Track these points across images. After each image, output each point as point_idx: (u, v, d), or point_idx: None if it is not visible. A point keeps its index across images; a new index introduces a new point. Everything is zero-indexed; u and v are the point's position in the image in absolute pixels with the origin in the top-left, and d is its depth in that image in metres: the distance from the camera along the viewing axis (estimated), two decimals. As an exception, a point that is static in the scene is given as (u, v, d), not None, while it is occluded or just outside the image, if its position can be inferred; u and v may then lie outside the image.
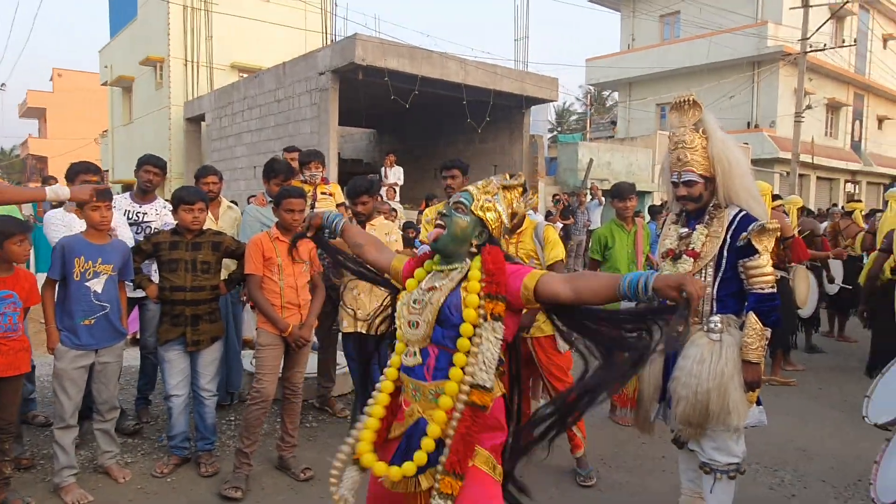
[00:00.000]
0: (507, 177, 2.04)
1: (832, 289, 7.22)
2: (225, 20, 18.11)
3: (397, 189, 12.19)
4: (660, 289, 1.62)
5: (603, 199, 12.84)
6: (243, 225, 4.49)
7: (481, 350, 1.80)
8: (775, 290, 2.59)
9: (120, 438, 3.77)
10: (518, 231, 3.62)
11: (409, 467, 1.81)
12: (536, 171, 15.10)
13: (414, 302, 1.93)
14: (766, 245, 2.58)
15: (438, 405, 1.83)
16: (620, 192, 4.62)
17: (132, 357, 5.19)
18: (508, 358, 1.98)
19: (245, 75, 17.13)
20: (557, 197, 13.88)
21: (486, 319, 1.81)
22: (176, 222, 3.60)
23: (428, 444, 1.82)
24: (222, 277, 3.69)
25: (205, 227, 3.62)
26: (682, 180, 2.76)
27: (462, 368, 1.82)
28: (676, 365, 2.65)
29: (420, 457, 1.81)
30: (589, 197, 13.53)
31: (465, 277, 1.89)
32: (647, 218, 9.09)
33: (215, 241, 3.60)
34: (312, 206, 4.45)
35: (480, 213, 1.93)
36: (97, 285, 3.29)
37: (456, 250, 1.94)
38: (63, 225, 3.60)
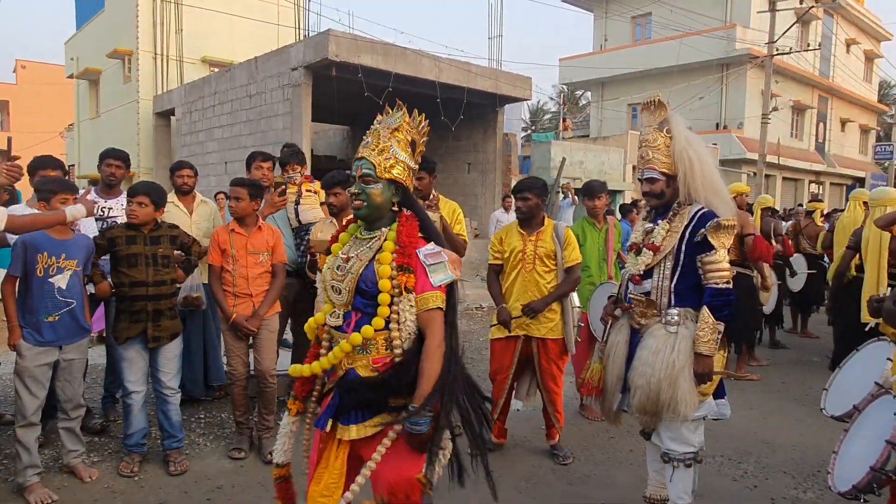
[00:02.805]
0: (387, 115, 2.07)
1: (796, 285, 7.41)
2: (195, 13, 17.80)
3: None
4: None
5: (576, 197, 12.97)
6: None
7: (401, 319, 1.93)
8: (731, 285, 2.66)
9: (86, 437, 3.72)
10: (539, 230, 3.69)
11: (335, 352, 1.99)
12: (510, 168, 15.19)
13: (337, 268, 2.04)
14: (722, 241, 2.66)
15: (363, 353, 1.97)
16: (591, 191, 4.69)
17: (98, 355, 5.11)
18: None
19: (216, 70, 16.89)
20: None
21: (400, 293, 1.92)
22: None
23: (355, 338, 1.94)
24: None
25: (162, 221, 3.61)
26: (644, 177, 2.84)
27: (384, 327, 1.95)
28: (635, 355, 2.74)
29: (356, 337, 1.94)
30: (561, 196, 13.64)
31: (380, 248, 1.99)
32: (619, 216, 9.21)
33: (172, 234, 3.59)
34: (297, 203, 4.45)
35: (387, 175, 2.00)
36: (61, 281, 3.22)
37: (381, 216, 2.05)
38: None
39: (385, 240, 2.00)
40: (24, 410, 3.18)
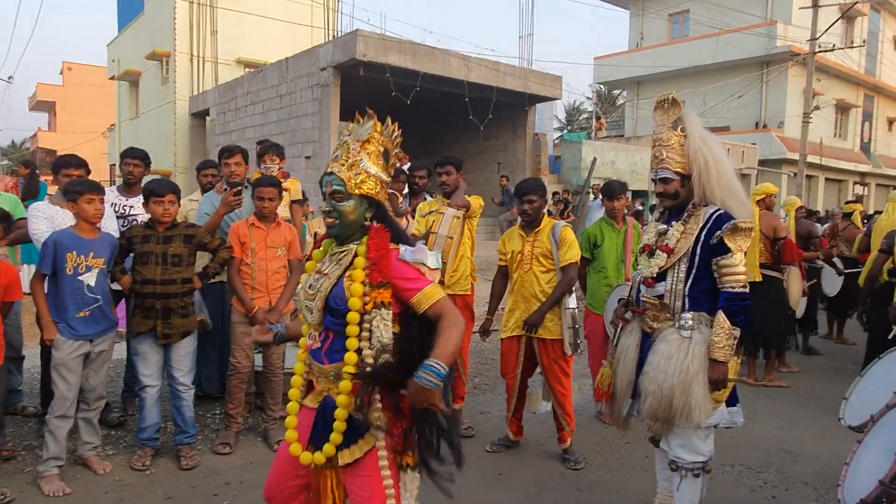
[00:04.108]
0: (356, 125, 1.99)
1: (831, 290, 7.15)
2: (230, 15, 18.15)
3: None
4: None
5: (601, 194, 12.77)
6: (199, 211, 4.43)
7: (375, 336, 1.84)
8: (747, 289, 2.56)
9: (103, 430, 3.79)
10: (536, 230, 3.68)
11: (328, 449, 1.89)
12: (539, 168, 15.06)
13: (309, 287, 1.97)
14: (739, 244, 2.56)
15: (339, 388, 1.87)
16: (610, 191, 4.62)
17: (119, 349, 5.21)
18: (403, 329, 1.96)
19: (250, 70, 17.17)
20: (558, 196, 13.83)
21: (373, 307, 1.84)
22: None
23: (339, 426, 1.88)
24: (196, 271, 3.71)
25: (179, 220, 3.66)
26: (657, 177, 2.75)
27: (357, 351, 1.85)
28: (647, 360, 2.65)
29: (339, 426, 1.88)
30: (591, 196, 13.46)
31: (351, 264, 1.91)
32: (649, 217, 9.04)
33: (187, 234, 3.62)
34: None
35: (358, 191, 1.92)
36: (90, 279, 3.34)
37: (353, 232, 1.97)
38: (45, 217, 3.61)
39: (355, 255, 1.91)
40: (62, 402, 3.29)
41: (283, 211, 4.38)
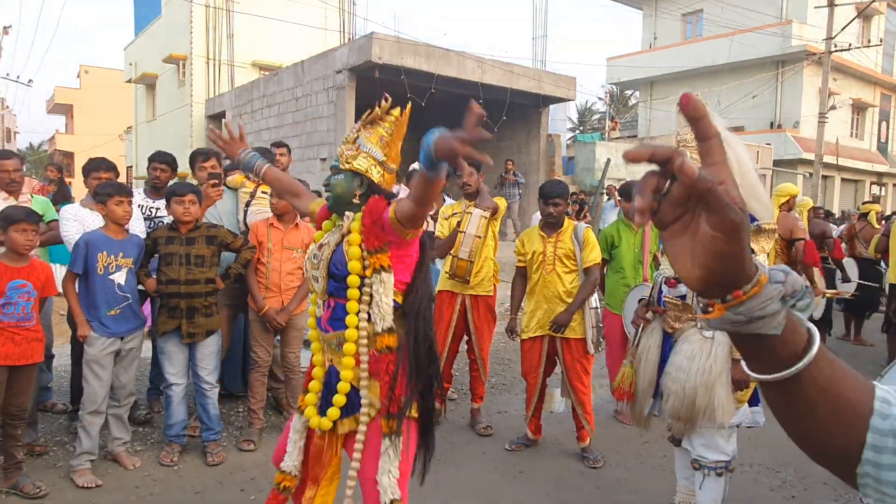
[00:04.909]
0: (373, 112, 2.03)
1: (847, 290, 7.12)
2: (246, 19, 18.30)
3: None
4: (436, 146, 1.55)
5: (618, 196, 12.76)
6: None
7: (375, 301, 1.89)
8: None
9: (132, 427, 3.88)
10: (558, 232, 3.72)
11: (332, 413, 1.96)
12: (553, 170, 15.06)
13: (314, 257, 2.05)
14: (762, 245, 2.59)
15: (343, 353, 1.93)
16: (627, 193, 4.65)
17: (144, 348, 5.31)
18: (408, 289, 2.00)
19: (265, 73, 17.31)
20: (574, 197, 13.82)
21: (372, 272, 1.89)
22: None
23: (343, 387, 1.94)
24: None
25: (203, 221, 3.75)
26: None
27: (357, 314, 1.91)
28: (669, 360, 2.70)
29: (339, 400, 1.95)
30: (606, 197, 13.45)
31: (348, 231, 1.97)
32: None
33: (209, 234, 3.70)
34: (248, 205, 4.37)
35: (349, 166, 2.00)
36: (120, 278, 3.45)
37: (345, 207, 2.03)
38: (75, 219, 3.70)
39: (352, 221, 1.98)
40: (94, 397, 3.39)
41: (266, 216, 4.22)
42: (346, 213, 2.02)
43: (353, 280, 1.91)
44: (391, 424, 1.88)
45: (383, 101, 2.02)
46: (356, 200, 2.01)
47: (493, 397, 5.08)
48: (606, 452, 3.94)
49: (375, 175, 2.01)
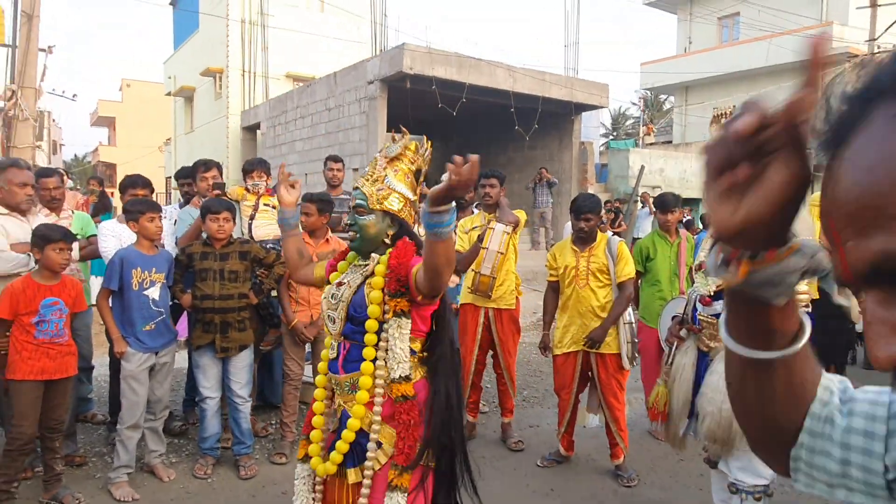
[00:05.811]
0: (391, 142, 1.97)
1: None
2: (280, 32, 18.63)
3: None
4: (431, 198, 1.58)
5: (654, 207, 12.56)
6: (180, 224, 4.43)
7: (390, 346, 1.84)
8: (810, 308, 2.50)
9: (166, 438, 3.94)
10: (591, 246, 3.67)
11: (334, 457, 1.90)
12: (586, 178, 14.92)
13: (332, 297, 1.98)
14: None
15: (355, 398, 1.88)
16: (664, 204, 4.58)
17: (180, 359, 5.40)
18: (432, 342, 1.96)
19: (299, 85, 17.57)
20: (609, 205, 13.67)
21: (392, 315, 1.84)
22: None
23: (348, 436, 1.88)
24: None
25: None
26: None
27: (373, 361, 1.85)
28: (705, 381, 2.63)
29: (341, 447, 1.89)
30: (640, 205, 13.27)
31: (372, 273, 1.92)
32: (700, 226, 8.86)
33: (242, 250, 3.74)
34: (252, 217, 4.38)
35: (380, 207, 1.92)
36: (154, 293, 3.52)
37: (374, 248, 1.97)
38: (113, 235, 3.79)
39: (377, 264, 1.92)
40: (133, 412, 3.46)
41: (272, 229, 4.28)
42: (373, 254, 1.97)
43: (371, 325, 1.87)
44: (400, 478, 1.81)
45: (400, 133, 1.97)
46: (387, 240, 1.96)
47: (525, 410, 5.03)
48: (641, 470, 3.86)
49: (407, 215, 1.97)
